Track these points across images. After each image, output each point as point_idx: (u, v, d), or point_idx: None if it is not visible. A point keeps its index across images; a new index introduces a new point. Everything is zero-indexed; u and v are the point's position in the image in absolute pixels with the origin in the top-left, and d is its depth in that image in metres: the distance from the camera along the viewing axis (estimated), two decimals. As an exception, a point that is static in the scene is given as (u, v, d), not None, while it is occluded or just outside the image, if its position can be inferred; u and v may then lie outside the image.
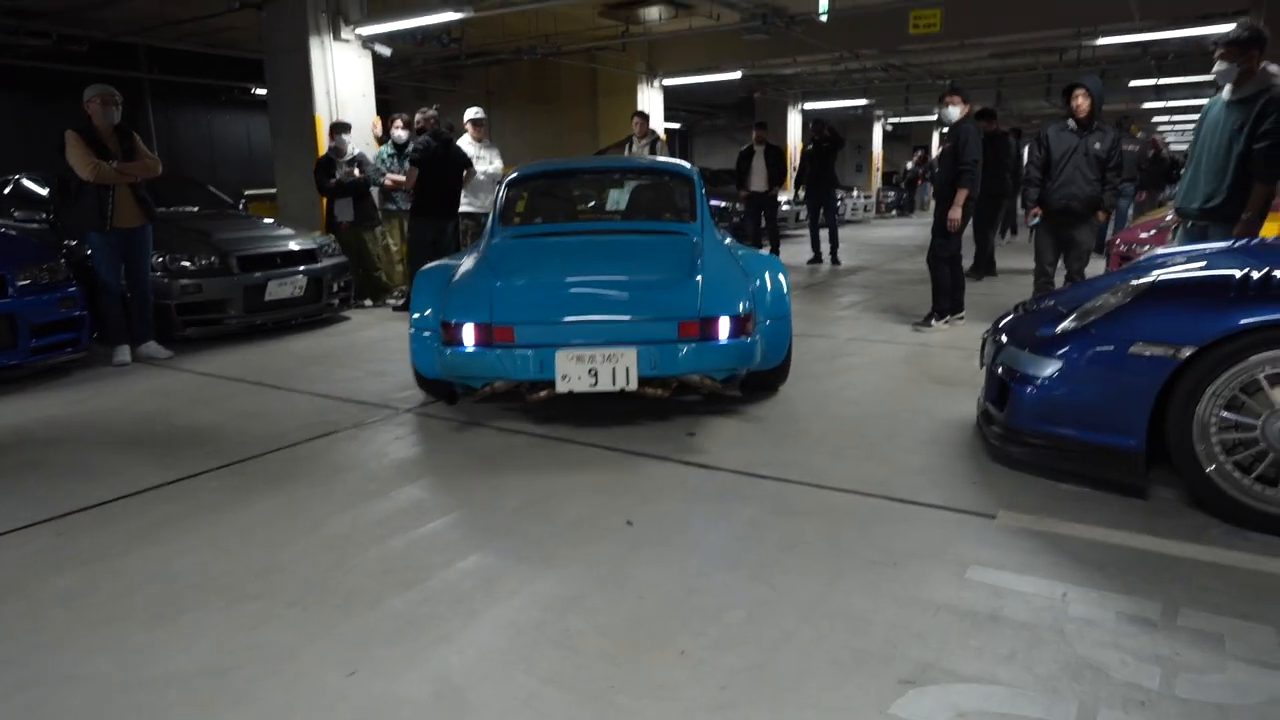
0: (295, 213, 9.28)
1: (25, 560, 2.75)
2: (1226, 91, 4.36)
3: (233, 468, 3.60)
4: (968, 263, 7.91)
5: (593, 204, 5.58)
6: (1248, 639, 2.12)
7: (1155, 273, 3.16)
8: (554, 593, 2.44)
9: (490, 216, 4.77)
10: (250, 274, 6.48)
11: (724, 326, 3.66)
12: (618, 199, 5.48)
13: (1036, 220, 5.80)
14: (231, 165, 16.25)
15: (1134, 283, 3.07)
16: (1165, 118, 26.93)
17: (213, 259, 6.35)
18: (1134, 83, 18.17)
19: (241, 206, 8.27)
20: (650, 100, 15.67)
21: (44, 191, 7.04)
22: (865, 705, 1.89)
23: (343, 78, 9.17)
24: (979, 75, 18.33)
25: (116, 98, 5.61)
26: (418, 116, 7.81)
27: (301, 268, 6.83)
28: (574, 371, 3.55)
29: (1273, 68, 4.32)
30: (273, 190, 10.00)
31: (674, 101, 19.06)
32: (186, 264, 6.24)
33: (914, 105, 22.40)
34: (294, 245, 6.93)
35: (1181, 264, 3.37)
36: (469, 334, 3.68)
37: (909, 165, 24.01)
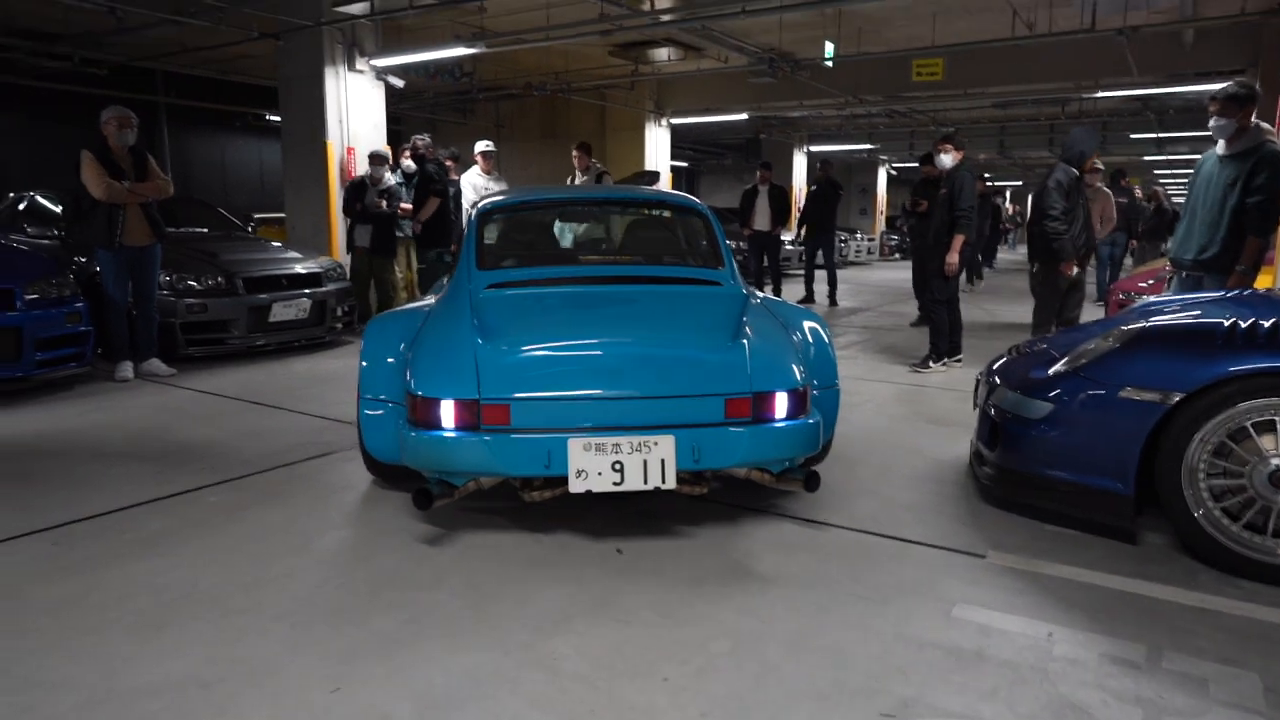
0: (304, 236, 9.41)
1: (18, 568, 2.77)
2: (1221, 146, 4.44)
3: (228, 484, 3.63)
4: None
5: (592, 245, 4.78)
6: (1232, 685, 2.12)
7: (1146, 319, 3.20)
8: (542, 616, 2.45)
9: (462, 256, 3.79)
10: (255, 295, 6.56)
11: (781, 403, 2.93)
12: (617, 236, 4.78)
13: (1076, 273, 5.59)
14: (243, 189, 16.45)
15: (1125, 328, 3.11)
16: (1167, 170, 27.28)
17: (219, 279, 6.43)
18: (1135, 135, 18.45)
19: (250, 229, 8.38)
20: (658, 138, 15.91)
21: (57, 208, 7.15)
22: (846, 737, 1.90)
23: (355, 107, 9.35)
24: (982, 124, 18.63)
25: (132, 120, 5.73)
26: (417, 143, 7.97)
27: (306, 290, 6.91)
28: (592, 465, 2.77)
29: (1265, 125, 4.41)
30: (282, 214, 10.15)
31: (681, 140, 19.36)
32: (193, 283, 6.33)
33: (918, 150, 22.69)
34: (299, 268, 7.02)
35: (1173, 311, 3.42)
36: (448, 413, 2.85)
37: (905, 206, 24.25)
